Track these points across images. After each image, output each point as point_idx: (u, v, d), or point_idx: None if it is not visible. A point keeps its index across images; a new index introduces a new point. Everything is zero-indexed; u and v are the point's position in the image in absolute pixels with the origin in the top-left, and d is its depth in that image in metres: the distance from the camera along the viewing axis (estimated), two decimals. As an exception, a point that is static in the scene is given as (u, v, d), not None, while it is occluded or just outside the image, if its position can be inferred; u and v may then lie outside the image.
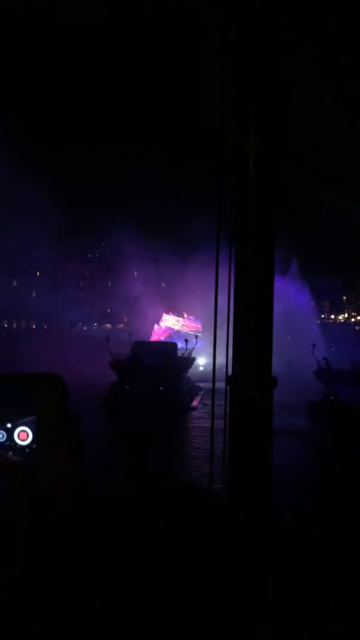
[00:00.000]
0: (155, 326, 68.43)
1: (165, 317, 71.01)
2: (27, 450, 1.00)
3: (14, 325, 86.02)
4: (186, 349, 34.28)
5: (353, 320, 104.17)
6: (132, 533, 0.83)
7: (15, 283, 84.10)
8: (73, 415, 0.98)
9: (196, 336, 40.37)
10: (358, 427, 18.00)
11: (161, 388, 29.19)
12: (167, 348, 35.17)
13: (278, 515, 5.01)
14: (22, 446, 1.00)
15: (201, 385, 31.82)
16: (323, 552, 4.41)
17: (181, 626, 0.80)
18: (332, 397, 27.59)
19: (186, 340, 30.57)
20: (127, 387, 29.58)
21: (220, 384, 5.33)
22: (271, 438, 5.04)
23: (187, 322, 70.35)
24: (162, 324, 69.70)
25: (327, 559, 4.29)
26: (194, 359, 33.46)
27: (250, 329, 5.14)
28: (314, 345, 30.49)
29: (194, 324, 68.52)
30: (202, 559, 0.84)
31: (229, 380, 5.10)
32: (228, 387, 5.08)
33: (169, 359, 32.83)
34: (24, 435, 1.00)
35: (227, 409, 5.08)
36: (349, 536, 4.76)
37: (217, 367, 5.63)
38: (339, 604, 3.74)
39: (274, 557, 4.46)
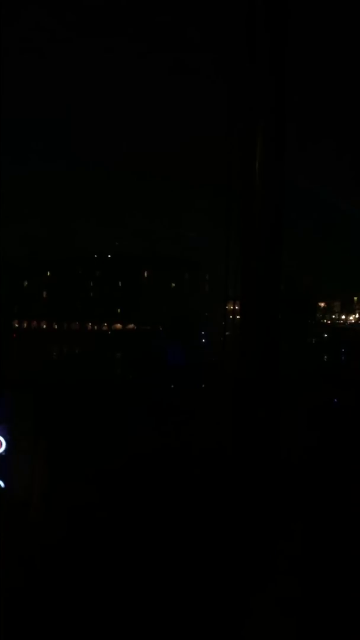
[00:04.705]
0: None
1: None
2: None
3: (25, 325, 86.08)
4: None
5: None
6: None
7: (26, 283, 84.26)
8: (45, 424, 1.04)
9: None
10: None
11: (203, 385, 29.31)
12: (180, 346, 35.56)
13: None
14: None
15: None
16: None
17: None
18: (336, 401, 27.39)
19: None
20: (172, 386, 29.53)
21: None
22: (279, 436, 5.10)
23: None
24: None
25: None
26: None
27: (257, 330, 5.19)
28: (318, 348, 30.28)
29: None
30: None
31: (235, 378, 5.16)
32: (234, 386, 5.14)
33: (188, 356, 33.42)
34: None
35: (233, 412, 5.14)
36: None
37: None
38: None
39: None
